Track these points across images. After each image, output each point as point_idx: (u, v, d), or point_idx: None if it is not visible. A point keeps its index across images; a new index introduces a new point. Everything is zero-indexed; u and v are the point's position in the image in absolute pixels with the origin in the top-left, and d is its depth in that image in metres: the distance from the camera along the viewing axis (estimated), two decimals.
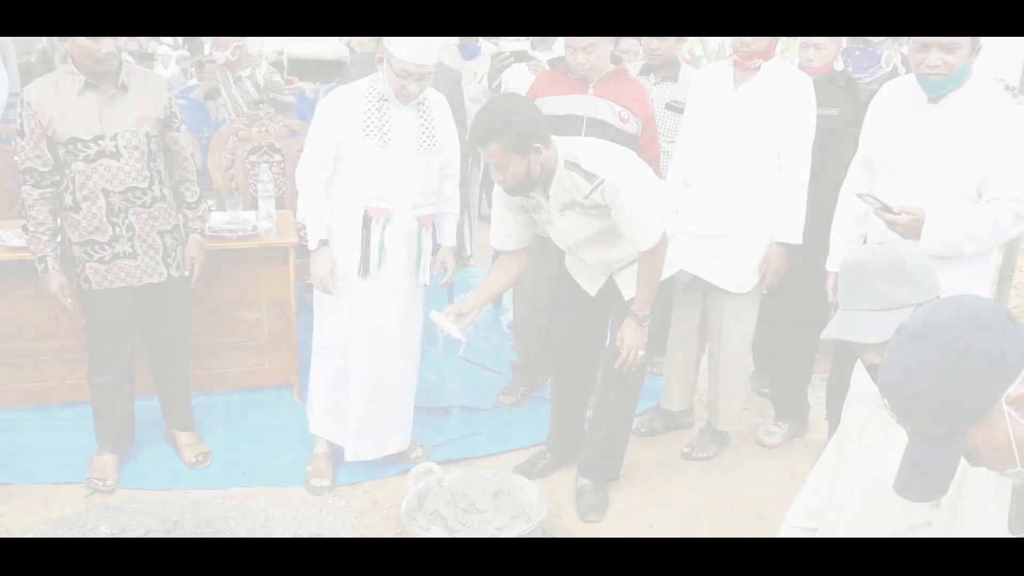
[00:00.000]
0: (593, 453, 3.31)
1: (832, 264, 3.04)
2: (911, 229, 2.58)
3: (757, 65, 3.20)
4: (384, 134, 3.05)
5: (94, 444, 3.36)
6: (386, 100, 3.06)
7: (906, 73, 3.05)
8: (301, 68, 11.82)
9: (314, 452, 3.43)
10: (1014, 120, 2.58)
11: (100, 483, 3.26)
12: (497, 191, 3.02)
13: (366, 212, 3.09)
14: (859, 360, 2.04)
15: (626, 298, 3.07)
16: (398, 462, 3.46)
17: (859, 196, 2.71)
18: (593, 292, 3.17)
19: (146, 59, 8.95)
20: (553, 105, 3.56)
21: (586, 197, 2.82)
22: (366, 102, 3.06)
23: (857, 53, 3.23)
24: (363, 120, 3.04)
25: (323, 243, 3.07)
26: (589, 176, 2.79)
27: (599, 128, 3.34)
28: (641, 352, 2.98)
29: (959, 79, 2.57)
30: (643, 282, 2.93)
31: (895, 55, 3.33)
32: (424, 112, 3.15)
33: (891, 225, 2.61)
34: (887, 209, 2.58)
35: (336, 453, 3.45)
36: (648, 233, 2.83)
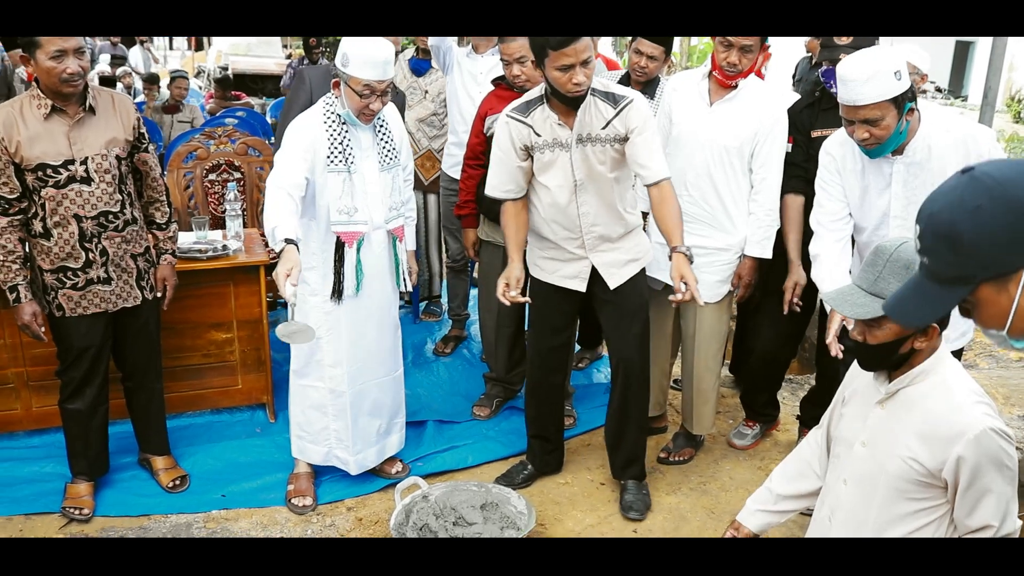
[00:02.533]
0: (626, 457, 3.38)
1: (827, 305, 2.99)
2: None
3: (734, 83, 3.25)
4: (347, 158, 3.04)
5: (67, 472, 3.31)
6: (345, 123, 3.05)
7: None
8: (246, 82, 11.76)
9: (295, 471, 3.41)
10: (979, 139, 2.63)
11: (76, 512, 3.20)
12: (503, 139, 3.03)
13: (338, 238, 3.08)
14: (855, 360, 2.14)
15: (611, 287, 3.12)
16: (379, 478, 3.47)
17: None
18: (582, 287, 3.17)
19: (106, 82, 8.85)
20: None
21: (605, 127, 2.90)
22: (327, 128, 3.03)
23: None
24: (327, 146, 3.02)
25: (290, 242, 2.74)
26: (619, 99, 2.90)
27: None
28: (693, 290, 2.80)
29: (898, 140, 2.59)
30: (674, 218, 2.89)
31: None
32: (381, 127, 3.16)
33: None
34: None
35: (317, 471, 3.44)
36: (663, 158, 2.95)
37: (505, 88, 3.68)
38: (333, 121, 3.04)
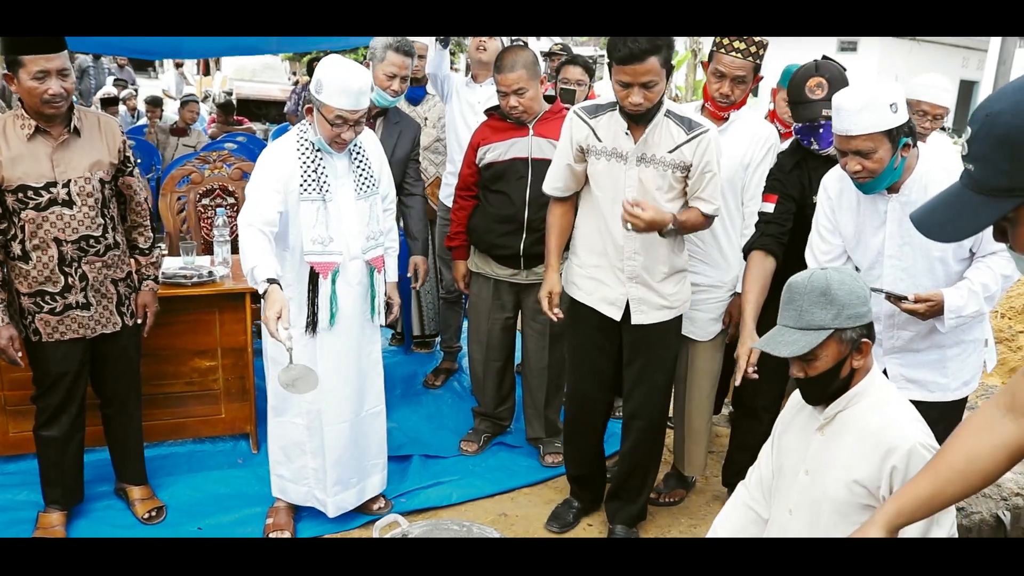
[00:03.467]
0: (625, 500, 3.30)
1: None
2: (932, 315, 2.53)
3: (726, 115, 3.19)
4: (321, 186, 2.95)
5: (40, 500, 3.22)
6: (319, 150, 2.98)
7: None
8: (251, 108, 11.78)
9: (274, 505, 3.32)
10: None
11: None
12: (563, 133, 3.03)
13: (312, 269, 3.00)
14: (795, 391, 2.20)
15: (633, 322, 3.04)
16: (360, 514, 3.37)
17: (871, 290, 2.67)
18: (617, 315, 3.06)
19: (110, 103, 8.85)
20: (497, 151, 3.59)
21: (672, 151, 2.85)
22: (300, 155, 2.95)
23: (821, 131, 2.96)
24: (300, 175, 2.93)
25: (272, 282, 2.71)
26: (694, 126, 2.85)
27: (545, 167, 3.29)
28: (641, 225, 2.75)
29: (892, 176, 2.51)
30: (689, 219, 2.92)
31: None
32: (358, 153, 3.08)
33: (911, 313, 2.54)
34: (902, 299, 2.53)
35: (296, 505, 3.35)
36: (719, 194, 2.92)
37: (498, 118, 3.64)
38: (307, 148, 2.97)
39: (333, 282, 3.01)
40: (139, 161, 6.91)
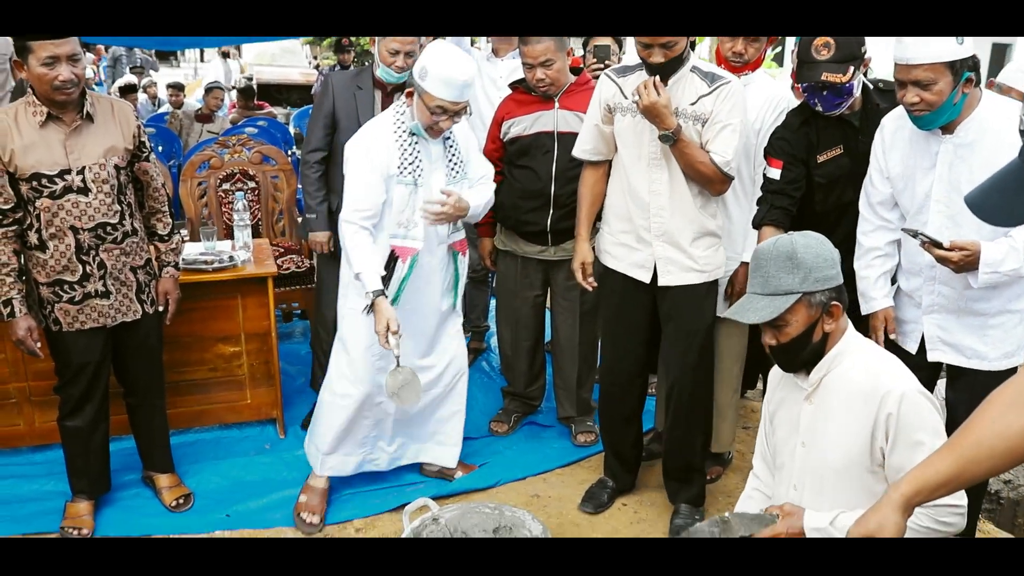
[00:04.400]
0: (678, 480, 3.24)
1: (869, 307, 2.74)
2: (966, 265, 2.39)
3: (740, 76, 3.02)
4: (415, 171, 2.97)
5: (67, 490, 3.20)
6: (415, 135, 2.98)
7: (873, 88, 2.89)
8: (271, 93, 11.74)
9: (310, 484, 3.28)
10: None
11: (75, 532, 3.09)
12: (594, 94, 3.04)
13: (392, 251, 3.00)
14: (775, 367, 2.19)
15: (660, 283, 2.96)
16: (391, 490, 3.35)
17: (905, 231, 2.53)
18: (647, 278, 2.98)
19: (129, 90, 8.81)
20: (522, 125, 3.51)
21: (694, 102, 2.80)
22: (396, 139, 2.97)
23: (825, 93, 2.76)
24: (397, 160, 2.96)
25: (380, 294, 2.85)
26: (716, 78, 2.81)
27: (571, 140, 3.24)
28: (646, 100, 2.72)
29: (951, 112, 2.37)
30: (697, 151, 2.80)
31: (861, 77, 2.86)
32: (450, 138, 3.09)
33: (943, 261, 2.41)
34: (937, 245, 2.40)
35: (331, 487, 3.32)
36: (734, 149, 2.80)
37: (523, 92, 3.55)
38: (404, 132, 2.98)
39: (411, 267, 3.01)
40: (160, 148, 6.93)
